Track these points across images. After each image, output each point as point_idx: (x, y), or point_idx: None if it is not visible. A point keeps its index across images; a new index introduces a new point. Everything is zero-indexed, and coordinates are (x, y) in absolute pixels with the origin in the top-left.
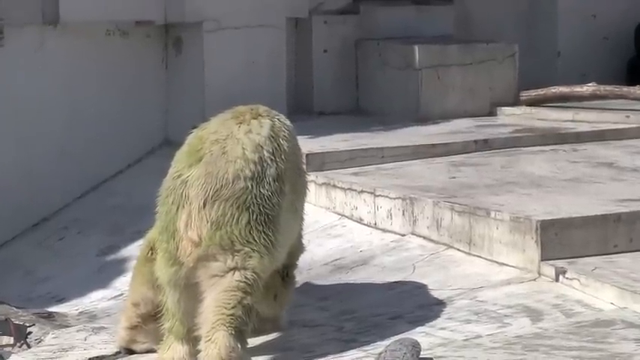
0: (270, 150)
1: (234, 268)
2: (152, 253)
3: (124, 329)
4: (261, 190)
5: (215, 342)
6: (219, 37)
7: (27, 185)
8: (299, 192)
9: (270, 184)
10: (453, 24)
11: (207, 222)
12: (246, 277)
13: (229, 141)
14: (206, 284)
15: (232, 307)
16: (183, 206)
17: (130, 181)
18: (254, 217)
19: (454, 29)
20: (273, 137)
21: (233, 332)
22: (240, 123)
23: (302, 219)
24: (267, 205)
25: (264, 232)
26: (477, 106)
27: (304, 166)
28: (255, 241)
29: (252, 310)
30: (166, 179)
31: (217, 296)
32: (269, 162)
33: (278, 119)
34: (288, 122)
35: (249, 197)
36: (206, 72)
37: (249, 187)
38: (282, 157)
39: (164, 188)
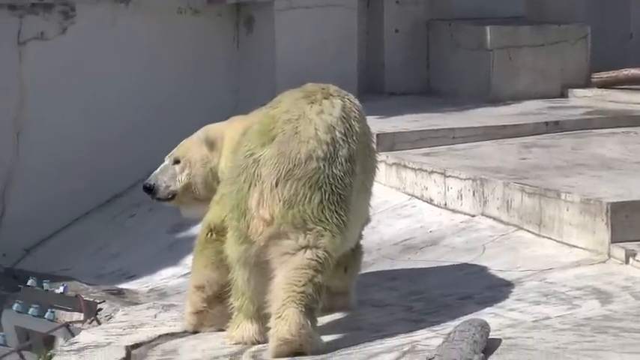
0: (342, 131)
1: (306, 247)
2: (212, 234)
3: (190, 314)
4: (334, 171)
5: (285, 319)
6: (290, 16)
7: (99, 162)
8: (369, 172)
9: (342, 164)
10: (525, 5)
11: (280, 201)
12: (317, 256)
13: (302, 121)
14: (277, 262)
15: (303, 285)
16: (255, 185)
17: None
18: (326, 196)
19: (526, 10)
20: (344, 118)
21: (303, 309)
22: (312, 103)
23: (371, 196)
24: (340, 185)
25: (336, 212)
26: (548, 88)
27: (374, 146)
28: (328, 220)
29: (323, 288)
30: (237, 157)
31: (288, 274)
32: (341, 143)
33: (349, 99)
34: (357, 102)
35: (322, 177)
36: (277, 51)
37: (322, 167)
38: (354, 137)
39: (235, 166)
